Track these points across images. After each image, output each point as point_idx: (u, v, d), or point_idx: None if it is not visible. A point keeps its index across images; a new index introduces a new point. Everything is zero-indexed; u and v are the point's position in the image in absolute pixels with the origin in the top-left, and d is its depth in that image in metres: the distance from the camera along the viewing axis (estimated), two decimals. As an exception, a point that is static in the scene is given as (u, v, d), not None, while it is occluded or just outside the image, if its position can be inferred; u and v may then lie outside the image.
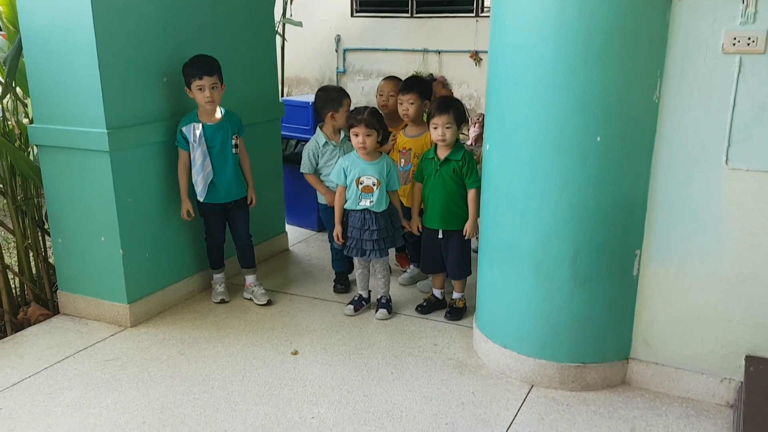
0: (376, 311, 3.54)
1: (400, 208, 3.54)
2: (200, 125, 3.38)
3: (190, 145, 3.39)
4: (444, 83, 4.56)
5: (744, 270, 2.57)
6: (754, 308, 2.60)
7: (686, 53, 2.47)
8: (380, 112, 3.46)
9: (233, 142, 3.51)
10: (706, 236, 2.59)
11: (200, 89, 3.33)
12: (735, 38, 2.39)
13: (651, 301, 2.76)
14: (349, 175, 3.38)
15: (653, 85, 2.52)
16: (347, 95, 3.77)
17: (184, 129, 3.39)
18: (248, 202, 3.68)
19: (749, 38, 2.37)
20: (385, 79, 4.06)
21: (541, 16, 2.50)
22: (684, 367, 2.78)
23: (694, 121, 2.51)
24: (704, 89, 2.47)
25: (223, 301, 3.68)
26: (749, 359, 2.63)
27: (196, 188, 3.45)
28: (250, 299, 3.73)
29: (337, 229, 3.47)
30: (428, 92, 3.74)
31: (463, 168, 3.31)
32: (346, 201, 3.43)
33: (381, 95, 3.99)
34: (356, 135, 3.30)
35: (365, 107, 3.37)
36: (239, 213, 3.65)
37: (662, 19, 2.46)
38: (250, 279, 3.75)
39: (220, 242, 3.69)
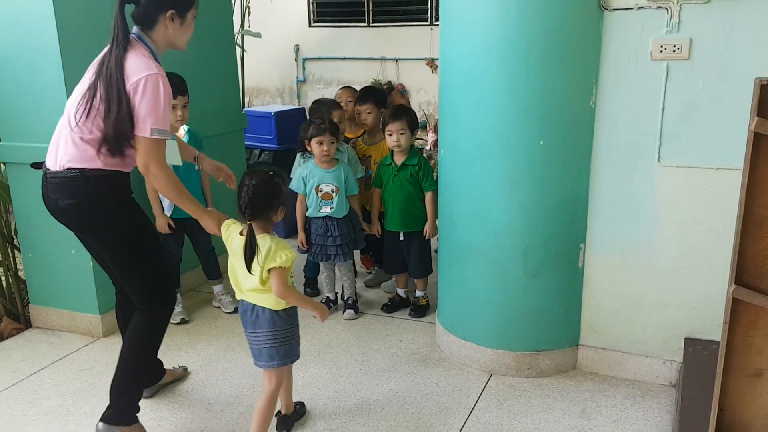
0: (344, 312, 3.70)
1: (360, 211, 3.71)
2: None
3: None
4: (401, 91, 4.75)
5: (679, 259, 2.80)
6: (689, 294, 2.82)
7: (618, 60, 2.69)
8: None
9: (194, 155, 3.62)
10: (643, 229, 2.81)
11: (173, 108, 3.40)
12: (662, 46, 2.61)
13: (596, 290, 2.98)
14: (309, 183, 3.53)
15: (589, 90, 2.73)
16: (339, 107, 3.88)
17: None
18: None
19: (675, 46, 2.60)
20: (341, 88, 4.24)
21: (485, 28, 2.70)
22: (629, 351, 2.99)
23: (628, 122, 2.73)
24: (636, 93, 2.69)
25: (183, 321, 3.66)
26: (687, 341, 2.85)
27: (163, 203, 3.51)
28: (219, 307, 3.84)
29: (301, 236, 3.62)
30: (384, 101, 3.92)
31: (420, 172, 3.50)
32: (307, 209, 3.58)
33: (339, 102, 4.14)
34: (321, 143, 3.44)
35: (323, 117, 3.51)
36: (201, 229, 3.72)
37: (596, 30, 2.68)
38: (217, 288, 3.86)
39: (177, 260, 3.67)
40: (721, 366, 1.65)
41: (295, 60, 9.83)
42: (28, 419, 2.82)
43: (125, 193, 2.52)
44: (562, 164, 2.79)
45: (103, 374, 3.16)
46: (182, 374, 3.11)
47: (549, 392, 2.93)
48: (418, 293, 3.73)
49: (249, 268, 2.33)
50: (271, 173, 2.41)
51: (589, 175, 2.84)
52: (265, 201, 2.36)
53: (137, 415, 2.63)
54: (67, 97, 3.12)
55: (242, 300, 2.46)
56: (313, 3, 9.64)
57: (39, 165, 2.64)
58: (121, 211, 2.51)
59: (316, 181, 3.52)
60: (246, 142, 4.73)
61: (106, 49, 2.42)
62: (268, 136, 4.90)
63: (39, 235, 3.50)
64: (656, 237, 2.80)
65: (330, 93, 9.59)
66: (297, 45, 9.73)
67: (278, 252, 2.33)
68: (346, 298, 3.73)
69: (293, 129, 4.02)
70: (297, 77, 9.92)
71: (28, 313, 3.71)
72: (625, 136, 2.75)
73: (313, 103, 4.01)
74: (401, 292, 3.80)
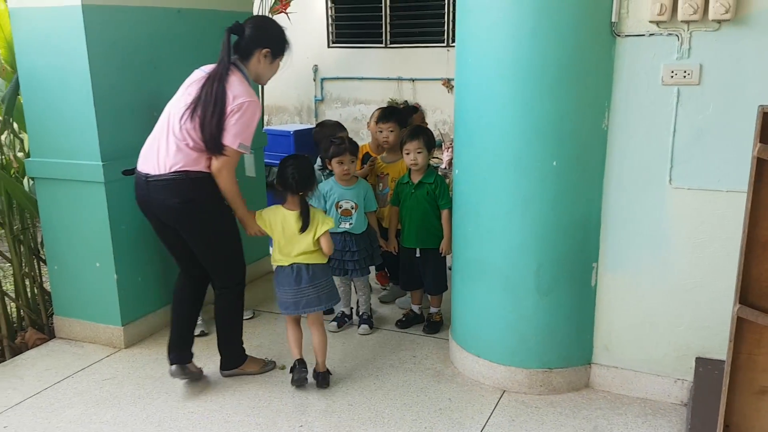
0: (359, 327, 3.76)
1: (377, 228, 3.79)
2: None
3: None
4: (420, 112, 4.80)
5: (690, 279, 2.84)
6: (701, 314, 2.86)
7: (630, 85, 2.76)
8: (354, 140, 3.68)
9: None
10: (655, 249, 2.86)
11: None
12: (673, 71, 2.68)
13: (608, 309, 3.02)
14: (329, 200, 3.62)
15: (602, 114, 2.80)
16: (343, 129, 4.00)
17: None
18: None
19: (685, 71, 2.66)
20: (378, 110, 4.31)
21: (499, 54, 2.79)
22: (641, 370, 3.02)
23: (640, 145, 2.79)
24: (647, 117, 2.76)
25: (203, 333, 3.74)
26: (699, 360, 2.88)
27: None
28: None
29: None
30: (405, 121, 4.01)
31: (436, 190, 3.57)
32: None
33: (377, 122, 4.20)
34: (341, 163, 3.54)
35: (342, 137, 3.61)
36: None
37: (608, 55, 2.75)
38: None
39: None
40: (727, 383, 1.70)
41: (314, 80, 10.00)
42: (52, 427, 2.90)
43: (219, 192, 2.94)
44: (574, 185, 2.86)
45: (124, 384, 3.24)
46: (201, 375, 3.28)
47: (561, 409, 2.96)
48: (433, 310, 3.79)
49: (305, 230, 2.96)
50: (307, 156, 3.10)
51: (602, 195, 2.90)
52: (308, 176, 2.96)
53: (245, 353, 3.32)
54: (96, 115, 3.31)
55: (292, 264, 3.03)
56: (332, 24, 9.82)
57: (131, 171, 3.07)
58: (217, 207, 2.97)
59: (336, 197, 3.61)
60: (265, 160, 4.84)
61: (207, 69, 2.92)
62: (286, 154, 4.99)
63: (65, 248, 3.61)
64: (668, 257, 2.85)
65: (347, 112, 9.79)
66: (316, 65, 9.90)
67: (326, 219, 3.03)
68: (361, 313, 3.80)
69: (311, 147, 4.12)
70: (315, 96, 10.08)
71: (53, 323, 3.81)
72: (636, 158, 2.81)
73: (317, 125, 4.13)
74: (416, 308, 3.86)
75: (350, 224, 3.61)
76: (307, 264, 3.02)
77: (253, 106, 2.84)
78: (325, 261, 3.08)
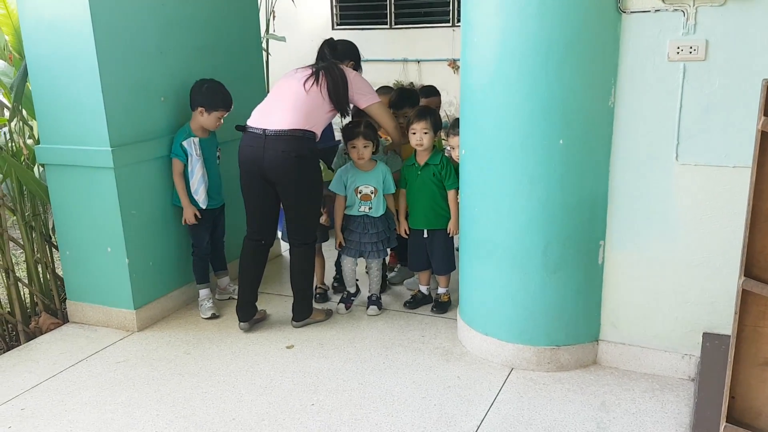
0: (367, 308, 3.80)
1: (394, 210, 3.80)
2: (197, 139, 3.64)
3: (190, 158, 3.62)
4: (438, 98, 4.74)
5: (697, 255, 2.85)
6: (708, 289, 2.87)
7: (636, 62, 2.75)
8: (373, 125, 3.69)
9: (217, 153, 3.82)
10: (662, 225, 2.87)
11: (219, 118, 3.69)
12: (679, 47, 2.67)
13: (616, 286, 3.04)
14: (349, 185, 3.65)
15: (608, 91, 2.80)
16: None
17: (185, 143, 3.62)
18: None
19: (691, 47, 2.66)
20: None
21: (504, 33, 2.79)
22: (648, 346, 3.05)
23: (646, 122, 2.79)
24: (654, 94, 2.76)
25: (214, 316, 3.78)
26: (706, 336, 2.90)
27: (196, 198, 3.67)
28: (230, 299, 3.99)
29: (339, 237, 3.73)
30: (417, 103, 4.01)
31: (442, 171, 3.58)
32: (345, 208, 3.70)
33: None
34: (354, 147, 3.56)
35: (359, 121, 3.62)
36: (221, 217, 3.93)
37: (614, 32, 2.74)
38: (226, 281, 4.02)
39: (208, 251, 3.86)
40: (732, 355, 1.72)
41: (319, 62, 9.96)
42: (68, 408, 2.96)
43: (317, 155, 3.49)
44: (581, 163, 2.86)
45: (137, 366, 3.29)
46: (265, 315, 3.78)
47: (569, 386, 2.99)
48: (441, 290, 3.82)
49: None
50: None
51: (608, 173, 2.91)
52: None
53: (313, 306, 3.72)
54: (104, 101, 3.33)
55: None
56: (336, 6, 9.77)
57: (243, 128, 3.46)
58: (317, 165, 3.49)
59: (355, 182, 3.63)
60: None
61: (304, 66, 3.54)
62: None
63: (76, 234, 3.65)
64: (675, 234, 2.86)
65: (353, 95, 9.73)
66: (321, 48, 9.86)
67: None
68: (370, 294, 3.83)
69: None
70: (320, 79, 10.04)
71: (66, 308, 3.86)
72: (643, 136, 2.81)
73: None
74: (424, 289, 3.89)
75: (369, 208, 3.63)
76: None
77: (354, 72, 3.63)
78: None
